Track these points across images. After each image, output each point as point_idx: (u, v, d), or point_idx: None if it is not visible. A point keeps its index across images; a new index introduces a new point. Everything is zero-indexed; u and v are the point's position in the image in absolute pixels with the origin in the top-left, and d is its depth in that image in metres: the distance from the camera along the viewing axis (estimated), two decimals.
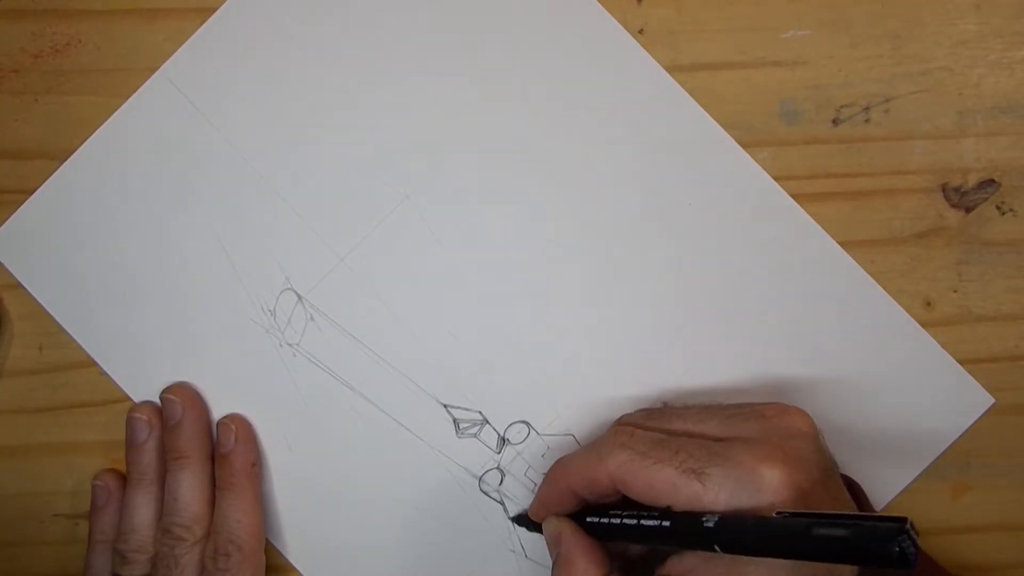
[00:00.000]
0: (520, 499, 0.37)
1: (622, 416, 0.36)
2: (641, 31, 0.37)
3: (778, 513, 0.27)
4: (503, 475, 0.37)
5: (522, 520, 0.37)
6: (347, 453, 0.38)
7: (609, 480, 0.31)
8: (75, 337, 0.38)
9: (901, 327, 0.37)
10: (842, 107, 0.37)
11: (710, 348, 0.37)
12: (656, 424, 0.33)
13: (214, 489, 0.37)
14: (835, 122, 0.37)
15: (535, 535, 0.36)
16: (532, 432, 0.37)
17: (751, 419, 0.31)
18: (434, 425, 0.37)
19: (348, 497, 0.38)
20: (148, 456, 0.37)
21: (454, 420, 0.37)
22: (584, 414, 0.37)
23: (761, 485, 0.28)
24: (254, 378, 0.38)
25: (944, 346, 0.37)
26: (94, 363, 0.38)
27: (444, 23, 0.37)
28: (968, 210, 0.37)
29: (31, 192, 0.38)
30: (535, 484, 0.37)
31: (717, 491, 0.28)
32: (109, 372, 0.38)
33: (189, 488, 0.36)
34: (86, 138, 0.38)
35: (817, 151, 0.37)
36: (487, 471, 0.37)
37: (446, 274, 0.37)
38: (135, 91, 0.37)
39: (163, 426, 0.37)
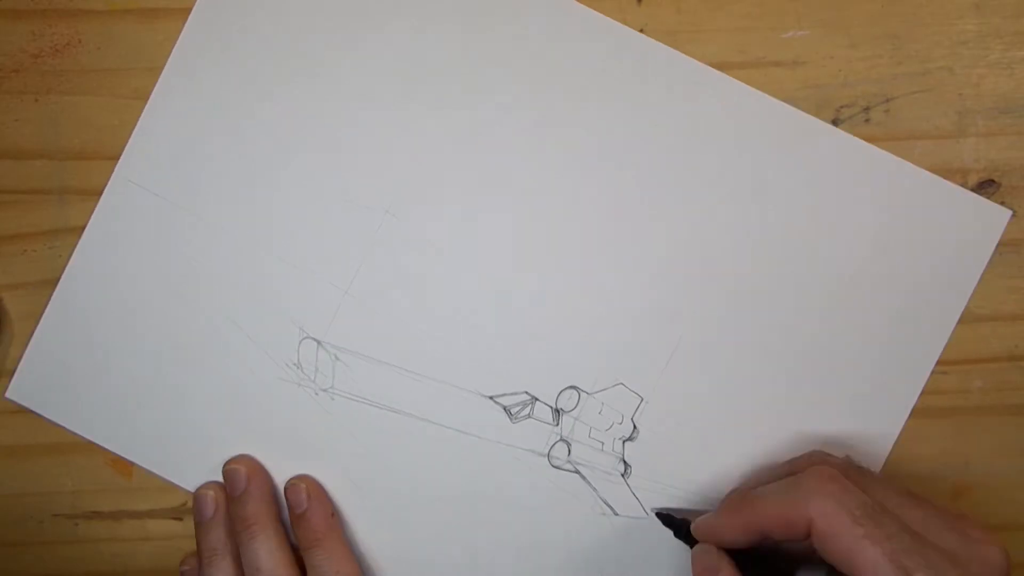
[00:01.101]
0: (592, 462, 0.37)
1: (814, 451, 0.35)
2: (641, 31, 0.37)
3: None
4: (569, 444, 0.37)
5: (668, 520, 0.36)
6: (415, 475, 0.38)
7: (807, 527, 0.30)
8: (121, 453, 0.38)
9: (903, 175, 0.37)
10: (842, 107, 0.37)
11: (724, 266, 0.37)
12: (856, 482, 0.31)
13: (291, 554, 0.36)
14: (835, 122, 0.37)
15: (624, 494, 0.37)
16: (582, 394, 0.37)
17: (954, 531, 0.30)
18: (487, 420, 0.38)
19: (429, 517, 0.38)
20: (216, 531, 0.37)
21: (504, 408, 0.37)
22: (624, 361, 0.37)
23: None
24: (302, 433, 0.38)
25: (945, 344, 0.37)
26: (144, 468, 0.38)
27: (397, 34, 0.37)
28: None
29: (31, 192, 0.38)
30: (602, 444, 0.37)
31: None
32: (161, 473, 0.38)
33: (269, 555, 0.36)
34: (85, 138, 0.38)
35: None
36: (552, 445, 0.38)
37: (447, 272, 0.37)
38: (133, 92, 0.38)
39: (228, 499, 0.37)
